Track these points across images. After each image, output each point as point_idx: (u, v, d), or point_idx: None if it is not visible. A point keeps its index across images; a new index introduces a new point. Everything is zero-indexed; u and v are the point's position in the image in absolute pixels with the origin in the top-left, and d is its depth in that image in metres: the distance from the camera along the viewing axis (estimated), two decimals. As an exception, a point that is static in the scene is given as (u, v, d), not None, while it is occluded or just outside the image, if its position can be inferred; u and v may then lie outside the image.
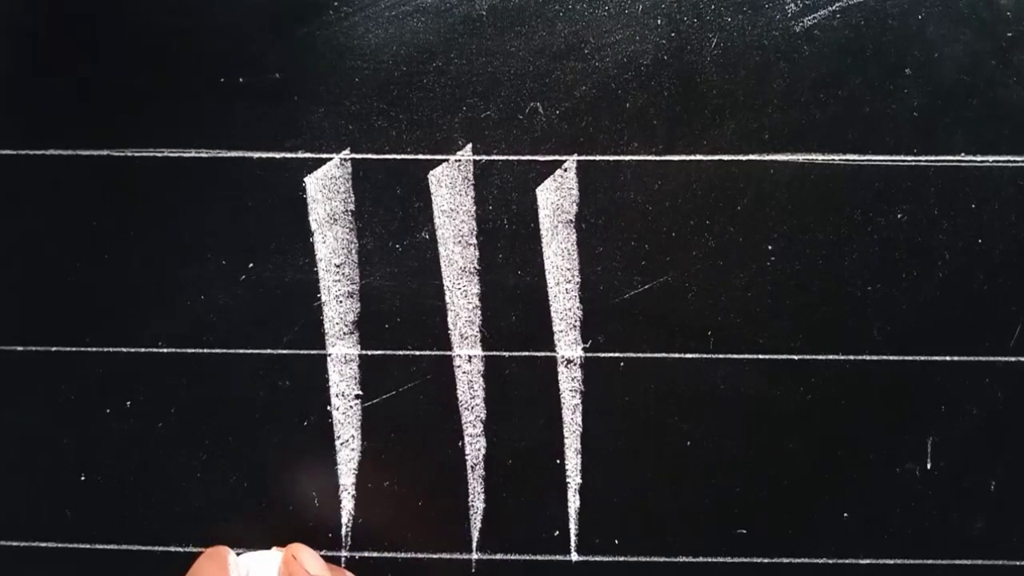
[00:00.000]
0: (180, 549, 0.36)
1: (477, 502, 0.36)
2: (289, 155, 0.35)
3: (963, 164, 0.35)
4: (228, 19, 0.35)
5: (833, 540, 0.36)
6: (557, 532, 0.36)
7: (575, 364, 0.36)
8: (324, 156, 0.35)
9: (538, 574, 0.36)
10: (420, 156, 0.35)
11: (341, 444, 0.36)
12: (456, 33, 0.35)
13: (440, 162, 0.35)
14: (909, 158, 0.35)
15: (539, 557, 0.36)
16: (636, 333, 0.35)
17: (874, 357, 0.35)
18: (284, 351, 0.36)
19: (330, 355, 0.36)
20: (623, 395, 0.36)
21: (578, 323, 0.36)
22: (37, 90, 0.35)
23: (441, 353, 0.36)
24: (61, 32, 0.35)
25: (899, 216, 0.35)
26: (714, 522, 0.36)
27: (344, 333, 0.36)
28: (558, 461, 0.36)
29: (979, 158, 0.35)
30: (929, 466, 0.36)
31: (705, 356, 0.36)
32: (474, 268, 0.36)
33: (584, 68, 0.35)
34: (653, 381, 0.36)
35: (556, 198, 0.35)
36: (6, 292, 0.36)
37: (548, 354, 0.36)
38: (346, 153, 0.35)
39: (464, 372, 0.36)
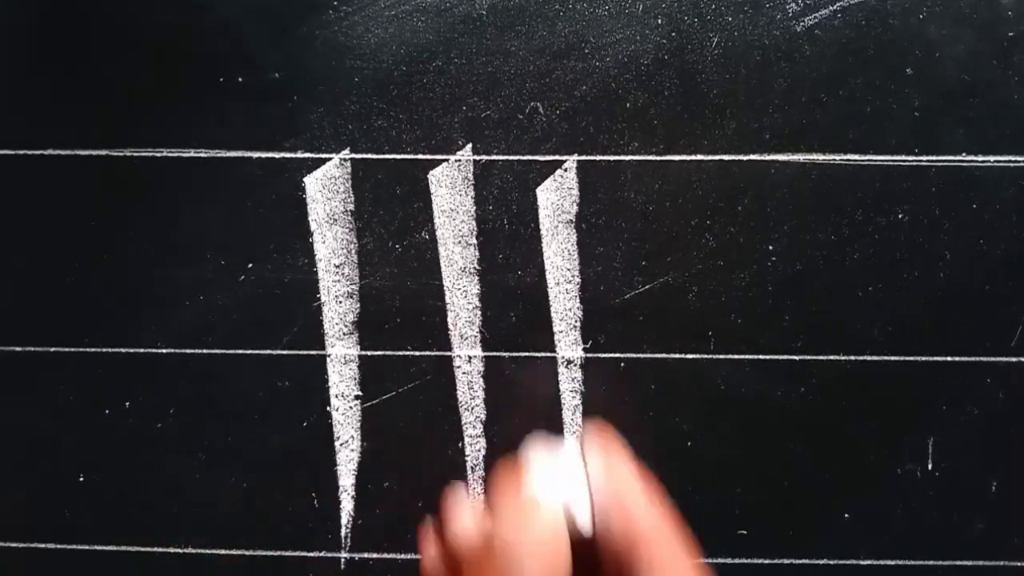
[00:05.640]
0: (180, 549, 0.36)
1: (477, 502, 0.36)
2: (289, 155, 0.35)
3: (964, 164, 0.35)
4: (228, 19, 0.35)
5: (833, 540, 0.36)
6: (557, 532, 0.36)
7: (575, 364, 0.36)
8: (324, 156, 0.35)
9: (538, 574, 0.36)
10: (420, 156, 0.35)
11: (341, 445, 0.36)
12: (456, 33, 0.35)
13: (440, 162, 0.35)
14: (910, 158, 0.35)
15: (539, 557, 0.36)
16: (636, 333, 0.35)
17: (874, 357, 0.35)
18: (284, 351, 0.36)
19: (330, 356, 0.36)
20: (623, 395, 0.36)
21: (578, 323, 0.36)
22: (37, 90, 0.35)
23: (441, 354, 0.36)
24: (61, 32, 0.35)
25: (900, 216, 0.35)
26: (714, 522, 0.36)
27: (344, 333, 0.36)
28: (558, 461, 0.36)
29: (980, 158, 0.35)
30: (930, 466, 0.36)
31: (705, 356, 0.35)
32: (474, 268, 0.36)
33: (584, 68, 0.35)
34: (653, 381, 0.36)
35: (556, 198, 0.35)
36: (6, 292, 0.36)
37: (548, 354, 0.36)
38: (346, 153, 0.35)
39: (464, 372, 0.36)
